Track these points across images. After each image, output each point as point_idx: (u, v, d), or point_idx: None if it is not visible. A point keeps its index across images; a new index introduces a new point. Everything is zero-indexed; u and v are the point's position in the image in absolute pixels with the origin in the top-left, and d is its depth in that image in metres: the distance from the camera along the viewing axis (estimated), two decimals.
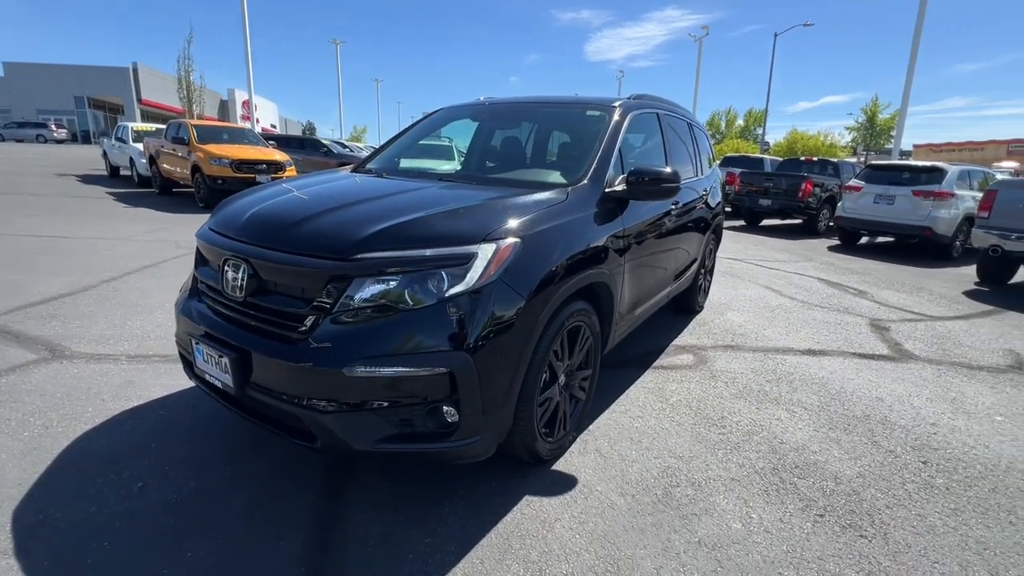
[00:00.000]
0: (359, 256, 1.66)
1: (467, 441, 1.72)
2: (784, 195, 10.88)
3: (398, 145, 3.37)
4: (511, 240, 1.80)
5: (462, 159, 3.60)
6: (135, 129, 13.36)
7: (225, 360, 1.77)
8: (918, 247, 9.03)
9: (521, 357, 1.81)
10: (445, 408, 1.70)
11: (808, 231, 11.14)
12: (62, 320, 3.56)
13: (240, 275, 1.82)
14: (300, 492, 1.96)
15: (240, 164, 9.48)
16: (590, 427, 2.54)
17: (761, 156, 16.10)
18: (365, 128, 79.63)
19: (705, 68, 32.51)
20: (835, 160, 13.02)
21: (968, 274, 7.13)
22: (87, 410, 2.45)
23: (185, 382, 2.71)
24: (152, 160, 11.40)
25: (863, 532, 1.90)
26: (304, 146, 15.51)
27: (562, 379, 2.15)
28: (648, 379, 3.16)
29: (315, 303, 1.69)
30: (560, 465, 2.22)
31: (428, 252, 1.70)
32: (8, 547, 1.63)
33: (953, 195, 8.22)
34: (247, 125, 17.28)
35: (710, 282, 4.86)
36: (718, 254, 5.18)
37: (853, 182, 9.45)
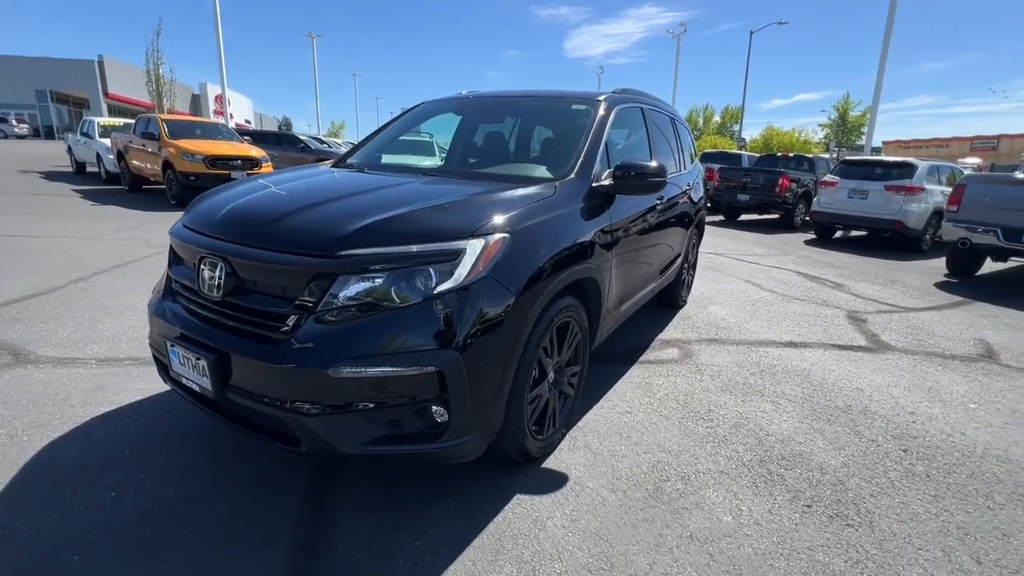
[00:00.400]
0: (343, 253, 1.61)
1: (457, 441, 1.69)
2: (762, 190, 11.07)
3: (379, 140, 3.30)
4: (500, 235, 1.77)
5: (443, 155, 3.54)
6: (102, 124, 12.86)
7: (203, 363, 1.69)
8: (890, 241, 9.28)
9: (511, 355, 1.78)
10: (434, 408, 1.66)
11: (785, 225, 11.36)
12: (26, 323, 3.40)
13: (217, 274, 1.74)
14: (284, 497, 1.90)
15: (214, 160, 9.21)
16: (579, 423, 2.53)
17: (739, 152, 16.35)
18: (343, 124, 78.59)
19: (682, 66, 32.84)
20: (810, 156, 13.31)
21: (938, 266, 7.35)
22: (55, 417, 2.34)
23: (160, 386, 2.60)
24: (120, 156, 11.00)
25: (850, 521, 1.93)
26: (280, 142, 15.16)
27: (551, 376, 2.13)
28: (635, 374, 3.17)
29: (297, 302, 1.63)
30: (550, 463, 2.20)
31: (415, 248, 1.65)
32: None
33: (923, 190, 8.46)
34: (220, 120, 16.80)
35: (693, 276, 4.90)
36: (700, 249, 5.22)
37: (828, 177, 9.66)
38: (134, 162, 10.51)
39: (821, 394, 3.02)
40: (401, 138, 3.38)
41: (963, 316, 4.89)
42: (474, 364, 1.65)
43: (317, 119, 45.33)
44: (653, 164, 2.37)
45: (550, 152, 2.84)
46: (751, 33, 30.57)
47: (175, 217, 2.19)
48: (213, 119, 18.40)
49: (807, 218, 10.89)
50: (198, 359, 1.71)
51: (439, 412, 1.66)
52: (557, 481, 2.08)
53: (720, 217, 12.31)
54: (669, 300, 4.40)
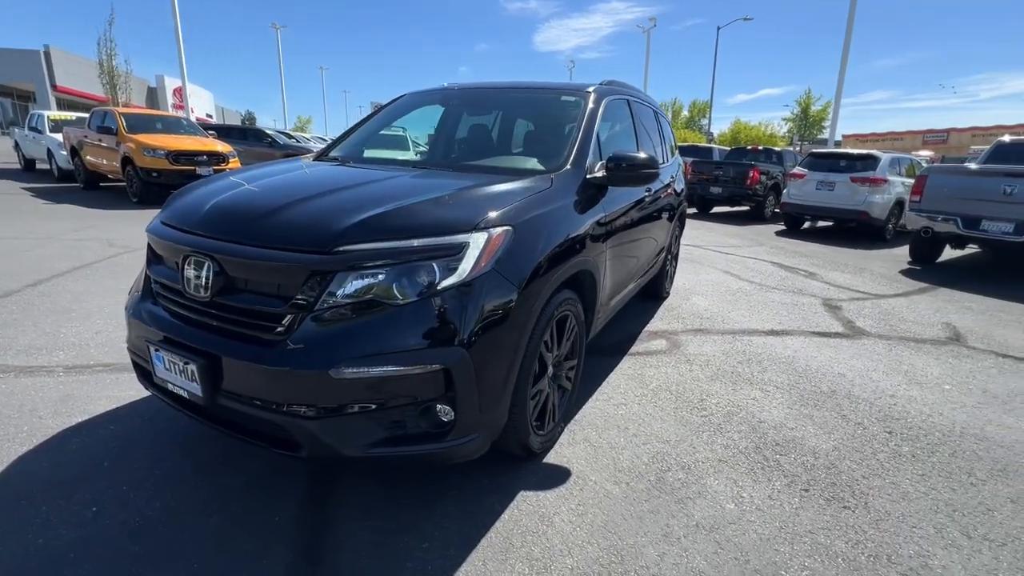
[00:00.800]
0: (342, 249, 1.54)
1: (463, 440, 1.65)
2: (733, 183, 11.30)
3: (360, 133, 3.20)
4: (503, 228, 1.72)
5: (417, 149, 3.45)
6: (52, 118, 12.16)
7: (192, 367, 1.60)
8: (855, 230, 9.62)
9: (516, 350, 1.75)
10: (439, 407, 1.61)
11: (756, 217, 11.64)
12: None
13: (204, 273, 1.65)
14: (280, 503, 1.83)
15: (178, 155, 8.80)
16: (576, 416, 2.52)
17: (710, 146, 16.63)
18: (310, 118, 76.61)
19: (651, 60, 33.21)
20: (778, 149, 13.63)
21: (901, 255, 7.65)
22: (22, 430, 2.19)
23: (136, 392, 2.48)
24: (75, 152, 10.42)
25: (846, 503, 1.98)
26: (246, 136, 14.66)
27: (551, 370, 2.11)
28: (626, 366, 3.18)
29: (293, 301, 1.55)
30: (551, 457, 2.18)
31: (416, 243, 1.59)
32: None
33: (886, 181, 8.79)
34: (181, 114, 16.08)
35: (675, 268, 4.96)
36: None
37: (797, 169, 9.93)
38: (89, 158, 9.96)
39: (806, 380, 3.09)
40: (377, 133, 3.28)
41: (929, 301, 5.10)
42: (480, 361, 1.61)
43: (284, 113, 44.15)
44: (645, 155, 2.36)
45: (541, 144, 2.81)
46: (718, 28, 31.19)
47: (136, 215, 2.08)
48: (173, 113, 17.61)
49: (777, 210, 11.18)
50: (186, 363, 1.62)
51: (444, 411, 1.62)
52: (560, 476, 2.07)
53: (694, 209, 12.52)
54: (654, 291, 4.44)
